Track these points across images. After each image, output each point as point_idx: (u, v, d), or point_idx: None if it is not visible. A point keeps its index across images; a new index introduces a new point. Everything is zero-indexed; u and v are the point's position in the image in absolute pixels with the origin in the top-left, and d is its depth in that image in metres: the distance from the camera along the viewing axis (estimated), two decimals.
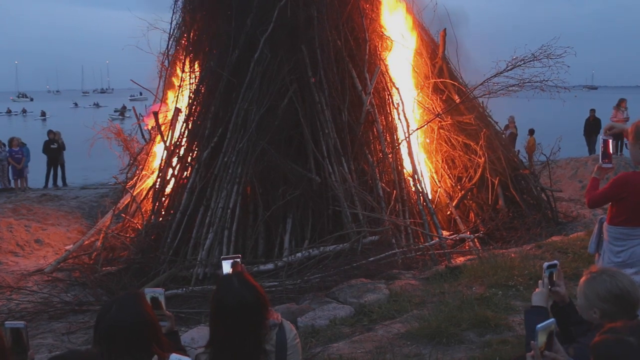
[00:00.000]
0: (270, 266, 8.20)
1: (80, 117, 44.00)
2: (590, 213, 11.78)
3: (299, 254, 8.31)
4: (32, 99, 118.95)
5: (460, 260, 8.08)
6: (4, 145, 17.57)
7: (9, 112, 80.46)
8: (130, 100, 72.69)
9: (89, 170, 19.56)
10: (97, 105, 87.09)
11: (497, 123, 11.78)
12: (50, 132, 18.54)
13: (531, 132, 18.50)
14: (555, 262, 3.08)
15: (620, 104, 18.01)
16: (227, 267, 2.97)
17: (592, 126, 19.60)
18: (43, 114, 67.60)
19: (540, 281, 3.03)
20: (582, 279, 2.83)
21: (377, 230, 8.61)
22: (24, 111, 78.49)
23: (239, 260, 2.99)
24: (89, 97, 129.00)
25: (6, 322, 2.53)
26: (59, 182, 18.39)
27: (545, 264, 3.03)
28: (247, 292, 2.44)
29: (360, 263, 7.71)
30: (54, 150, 17.99)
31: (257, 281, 2.69)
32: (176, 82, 11.14)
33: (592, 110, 19.84)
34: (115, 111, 60.74)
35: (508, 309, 5.33)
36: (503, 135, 15.21)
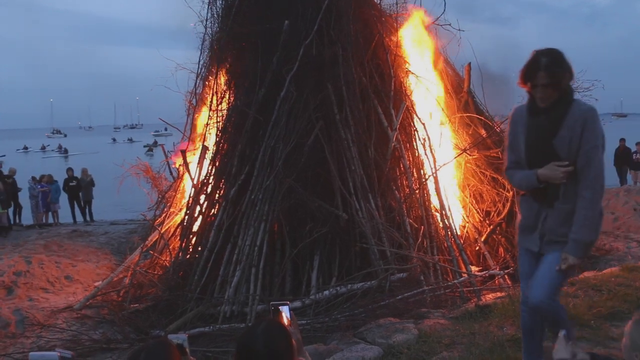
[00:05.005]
0: (297, 304, 8.14)
1: (119, 152, 44.92)
2: (624, 246, 11.52)
3: (326, 292, 8.26)
4: (65, 135, 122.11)
5: (490, 297, 7.92)
6: (38, 181, 18.14)
7: (43, 148, 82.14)
8: (154, 135, 73.87)
9: (120, 206, 19.92)
10: (130, 140, 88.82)
11: None
12: (69, 169, 19.18)
13: None
14: None
15: None
16: (279, 313, 2.85)
17: (622, 156, 19.32)
18: (65, 150, 68.86)
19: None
20: (631, 320, 2.79)
21: (405, 268, 8.53)
22: (60, 147, 79.83)
23: (285, 307, 2.87)
24: (120, 132, 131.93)
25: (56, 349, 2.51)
26: (88, 218, 18.82)
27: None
28: (262, 342, 2.40)
29: (388, 301, 7.63)
30: (73, 187, 18.55)
31: None
32: (203, 121, 11.30)
33: (622, 140, 19.58)
34: (144, 147, 61.80)
35: None
36: None
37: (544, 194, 3.56)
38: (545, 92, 3.42)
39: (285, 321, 2.74)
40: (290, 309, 2.81)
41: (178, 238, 10.32)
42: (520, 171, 3.67)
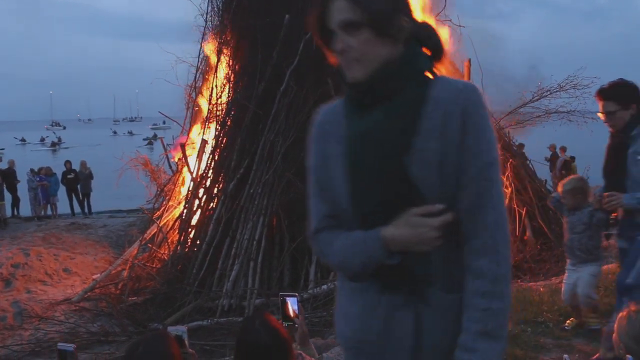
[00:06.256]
0: None
1: (119, 145, 44.87)
2: None
3: (324, 286, 8.27)
4: (64, 127, 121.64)
5: None
6: (36, 173, 18.11)
7: (42, 140, 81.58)
8: (152, 129, 73.75)
9: (119, 198, 19.91)
10: (130, 133, 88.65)
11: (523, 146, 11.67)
12: (67, 162, 19.15)
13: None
14: None
15: None
16: (287, 304, 2.84)
17: None
18: (53, 144, 68.46)
19: None
20: (621, 314, 2.85)
21: None
22: (59, 140, 79.15)
23: (294, 298, 2.81)
24: (119, 125, 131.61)
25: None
26: (86, 210, 18.80)
27: None
28: (265, 334, 2.42)
29: None
30: (71, 179, 18.52)
31: None
32: (203, 114, 11.28)
33: None
34: (144, 139, 61.62)
35: (538, 347, 5.19)
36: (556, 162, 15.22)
37: (401, 276, 1.58)
38: (351, 40, 1.60)
39: (292, 313, 2.76)
40: (298, 301, 2.82)
41: (177, 231, 10.32)
42: (345, 235, 1.65)
